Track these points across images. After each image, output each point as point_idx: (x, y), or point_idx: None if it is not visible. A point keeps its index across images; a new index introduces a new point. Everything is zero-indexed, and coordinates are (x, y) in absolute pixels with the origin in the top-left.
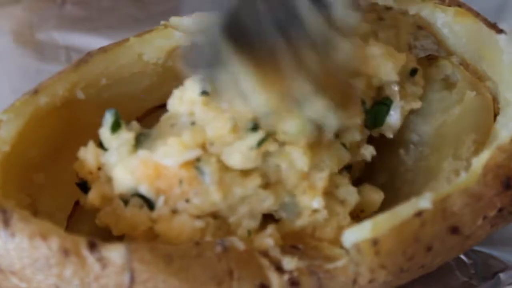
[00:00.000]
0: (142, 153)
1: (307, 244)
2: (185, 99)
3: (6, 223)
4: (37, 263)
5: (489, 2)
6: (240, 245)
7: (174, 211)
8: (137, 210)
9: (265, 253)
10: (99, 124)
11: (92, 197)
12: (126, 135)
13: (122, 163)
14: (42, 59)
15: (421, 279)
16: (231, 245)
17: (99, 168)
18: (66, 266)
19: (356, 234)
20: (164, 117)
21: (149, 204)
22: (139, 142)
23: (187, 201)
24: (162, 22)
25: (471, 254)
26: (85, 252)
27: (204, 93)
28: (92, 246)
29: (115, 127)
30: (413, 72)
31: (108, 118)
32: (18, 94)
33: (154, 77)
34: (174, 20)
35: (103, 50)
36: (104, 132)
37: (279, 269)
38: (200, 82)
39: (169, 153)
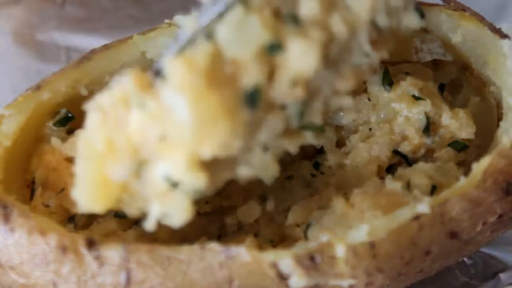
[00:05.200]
0: (55, 140)
1: (324, 253)
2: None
3: (6, 218)
4: (35, 259)
5: (489, 2)
6: (246, 257)
7: (46, 206)
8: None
9: (273, 265)
10: None
11: None
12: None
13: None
14: (42, 59)
15: (421, 279)
16: (236, 255)
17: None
18: (63, 263)
19: (352, 237)
20: None
21: (33, 191)
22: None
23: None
24: (166, 21)
25: (471, 254)
26: (83, 249)
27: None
28: (90, 244)
29: (63, 122)
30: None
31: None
32: (18, 94)
33: None
34: (178, 18)
35: (106, 47)
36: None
37: (283, 281)
38: None
39: (75, 144)
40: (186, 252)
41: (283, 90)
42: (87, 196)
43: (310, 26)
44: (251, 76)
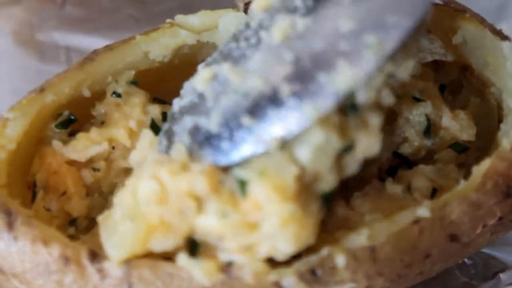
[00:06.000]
0: (56, 143)
1: (325, 265)
2: (104, 101)
3: (10, 226)
4: (38, 268)
5: (489, 2)
6: (248, 277)
7: (48, 210)
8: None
9: (276, 284)
10: None
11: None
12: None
13: None
14: (42, 59)
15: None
16: (238, 274)
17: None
18: (66, 274)
19: (352, 242)
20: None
21: (34, 194)
22: None
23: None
24: (168, 20)
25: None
26: (86, 261)
27: (116, 94)
28: (94, 256)
29: (65, 124)
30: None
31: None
32: (18, 94)
33: (160, 75)
34: (179, 18)
35: (109, 48)
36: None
37: None
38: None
39: (76, 147)
40: (188, 269)
41: (349, 173)
42: (121, 251)
43: (368, 109)
44: (329, 183)
